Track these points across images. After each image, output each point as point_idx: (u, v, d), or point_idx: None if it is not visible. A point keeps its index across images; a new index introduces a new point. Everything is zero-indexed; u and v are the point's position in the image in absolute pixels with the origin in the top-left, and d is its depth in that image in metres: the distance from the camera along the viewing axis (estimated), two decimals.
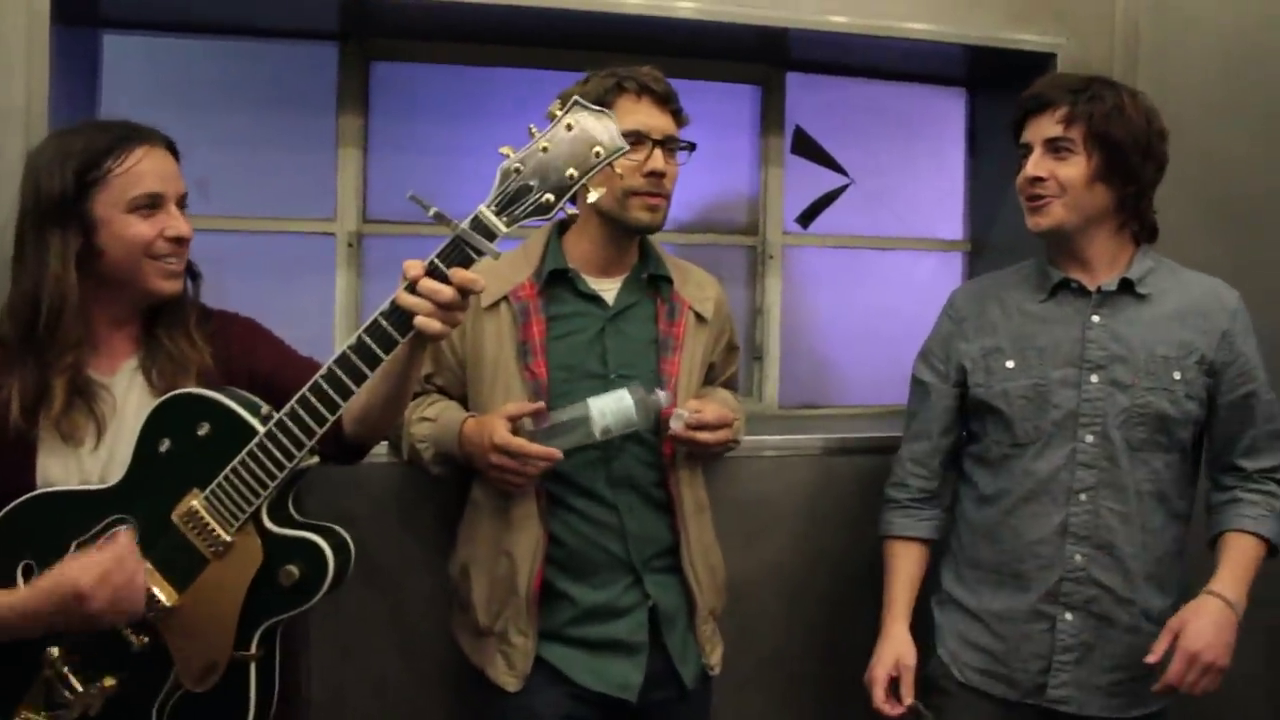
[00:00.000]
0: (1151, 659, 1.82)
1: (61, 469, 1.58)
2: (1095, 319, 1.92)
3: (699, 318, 2.02)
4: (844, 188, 2.94)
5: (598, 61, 1.95)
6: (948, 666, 2.01)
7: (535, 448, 1.80)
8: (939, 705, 1.98)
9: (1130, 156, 1.87)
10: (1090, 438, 1.89)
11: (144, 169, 1.58)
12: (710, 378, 2.12)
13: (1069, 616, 1.90)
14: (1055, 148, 1.88)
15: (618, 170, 1.49)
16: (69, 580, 1.45)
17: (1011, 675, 1.94)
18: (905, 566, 2.06)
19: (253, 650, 1.54)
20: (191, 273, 1.70)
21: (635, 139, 1.83)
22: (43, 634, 1.51)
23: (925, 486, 2.07)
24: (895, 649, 1.99)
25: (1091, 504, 1.89)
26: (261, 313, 1.82)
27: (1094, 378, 1.90)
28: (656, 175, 1.88)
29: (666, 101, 1.92)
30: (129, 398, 1.63)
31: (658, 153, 1.88)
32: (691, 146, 1.96)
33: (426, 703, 2.23)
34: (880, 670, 1.97)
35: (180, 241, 1.62)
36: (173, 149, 1.66)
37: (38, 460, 1.57)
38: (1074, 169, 1.87)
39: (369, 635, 2.20)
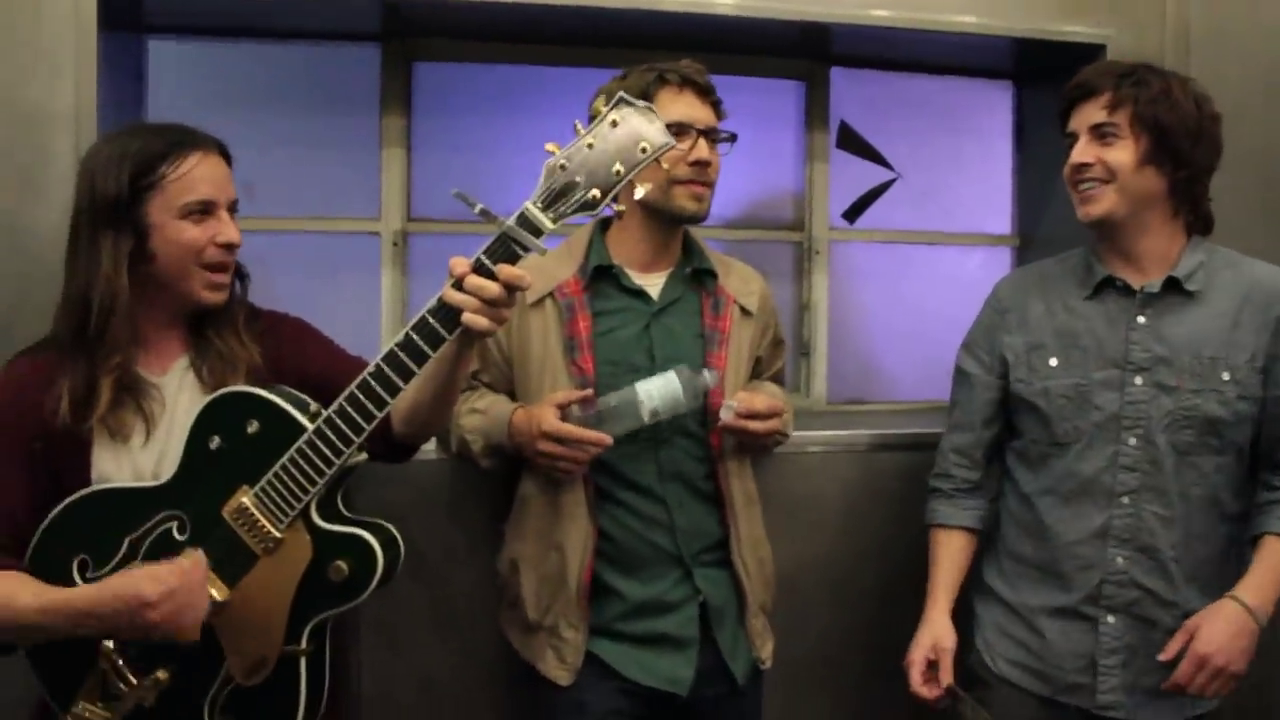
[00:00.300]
0: (1164, 657, 1.81)
1: (114, 466, 1.59)
2: (1140, 320, 1.87)
3: (744, 311, 2.01)
4: (890, 183, 2.92)
5: (639, 59, 1.95)
6: (983, 656, 2.00)
7: (585, 432, 1.80)
8: (980, 697, 1.95)
9: (1179, 140, 1.82)
10: (1133, 440, 1.85)
11: (198, 175, 1.59)
12: (757, 373, 2.10)
13: (1110, 619, 1.87)
14: (1102, 134, 1.84)
15: (663, 163, 1.49)
16: (134, 587, 1.46)
17: (1045, 670, 1.92)
18: (949, 554, 2.04)
19: (303, 645, 1.55)
20: (240, 274, 1.71)
21: (679, 129, 1.85)
22: (98, 634, 1.52)
23: (968, 477, 2.05)
24: (934, 633, 1.97)
25: (1134, 507, 1.85)
26: (308, 312, 1.83)
27: (1138, 380, 1.85)
28: (702, 164, 1.89)
29: (708, 93, 1.93)
30: (180, 396, 1.65)
31: (702, 142, 1.89)
32: (733, 137, 1.96)
33: (474, 697, 2.23)
34: (918, 653, 1.96)
35: (230, 248, 1.63)
36: (226, 154, 1.67)
37: (92, 457, 1.59)
38: (1122, 153, 1.82)
39: (417, 630, 2.20)
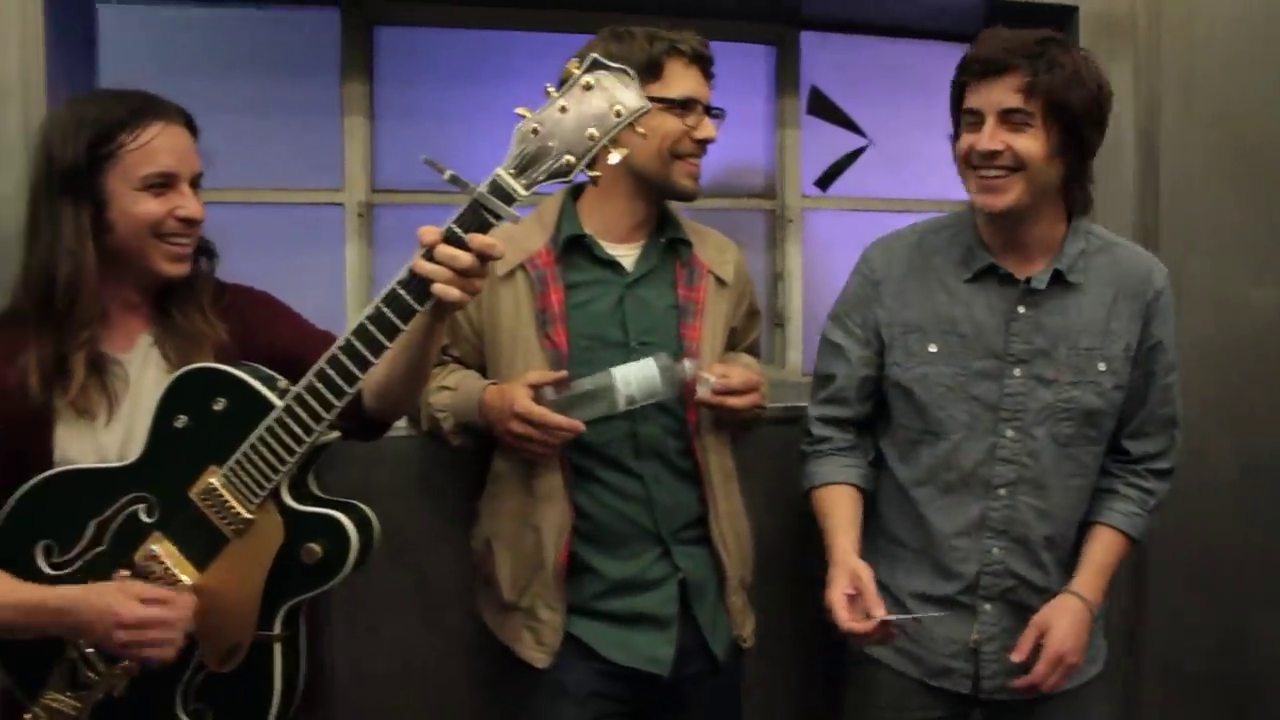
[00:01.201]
0: (1018, 657, 1.78)
1: (78, 448, 1.55)
2: (1021, 310, 1.82)
3: (719, 281, 1.98)
4: (863, 149, 2.89)
5: (608, 22, 1.90)
6: None
7: (557, 418, 1.76)
8: (867, 675, 1.93)
9: (1085, 128, 1.74)
10: (1010, 433, 1.82)
11: (157, 145, 1.53)
12: (732, 344, 2.07)
13: (988, 607, 1.86)
14: (1013, 120, 1.71)
15: (639, 130, 1.45)
16: (110, 601, 1.44)
17: (917, 653, 1.89)
18: (838, 504, 1.89)
19: (276, 631, 1.51)
20: (208, 251, 1.67)
21: (686, 104, 1.84)
22: (67, 636, 1.50)
23: (845, 438, 1.95)
24: (848, 566, 1.79)
25: (1010, 499, 1.83)
26: (269, 287, 1.78)
27: (1016, 371, 1.82)
28: (707, 142, 1.87)
29: (711, 67, 1.91)
30: (145, 374, 1.60)
31: (707, 120, 1.87)
32: (722, 114, 1.93)
33: (450, 678, 2.21)
34: (837, 591, 1.77)
35: (190, 223, 1.57)
36: (191, 125, 1.61)
37: (55, 439, 1.54)
38: (1034, 143, 1.71)
39: (391, 610, 2.17)
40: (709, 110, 1.89)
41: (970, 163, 1.77)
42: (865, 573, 1.78)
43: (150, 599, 1.45)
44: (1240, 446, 2.59)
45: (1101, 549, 1.87)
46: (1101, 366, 1.82)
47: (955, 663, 1.87)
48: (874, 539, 1.95)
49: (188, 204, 1.56)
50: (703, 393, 1.85)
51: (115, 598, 1.45)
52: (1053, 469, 1.83)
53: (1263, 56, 2.59)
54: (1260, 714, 2.65)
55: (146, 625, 1.44)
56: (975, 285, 1.85)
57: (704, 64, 1.89)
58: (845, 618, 1.74)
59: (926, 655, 1.88)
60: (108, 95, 1.60)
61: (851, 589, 1.77)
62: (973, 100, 1.76)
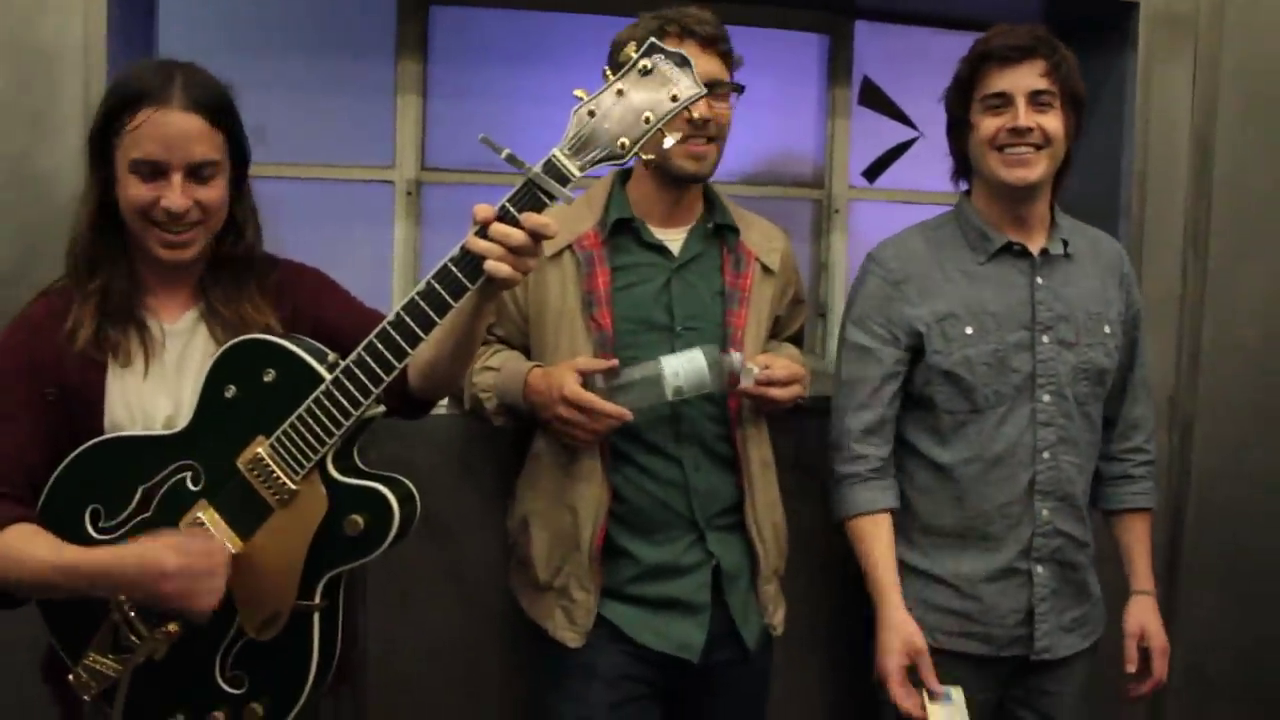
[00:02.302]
0: (1132, 668, 2.01)
1: (127, 416, 1.56)
2: (1039, 280, 1.94)
3: (765, 269, 1.98)
4: (912, 141, 2.87)
5: (660, 5, 1.89)
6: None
7: (607, 405, 1.77)
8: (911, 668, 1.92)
9: (1082, 115, 1.93)
10: (1047, 398, 1.92)
11: (144, 133, 1.48)
12: (775, 332, 2.07)
13: (1040, 569, 1.94)
14: (1040, 101, 1.87)
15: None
16: (155, 554, 1.44)
17: (989, 632, 1.95)
18: (883, 542, 1.95)
19: (316, 600, 1.52)
20: (238, 232, 1.62)
21: None
22: (111, 595, 1.51)
23: (880, 455, 1.97)
24: (903, 634, 1.89)
25: (1054, 460, 1.93)
26: (318, 262, 1.79)
27: (1045, 338, 1.92)
28: (700, 122, 1.82)
29: (713, 43, 1.86)
30: (193, 344, 1.61)
31: (703, 101, 1.83)
32: (740, 89, 1.90)
33: (482, 656, 2.22)
34: (894, 661, 1.88)
35: (172, 215, 1.50)
36: (204, 107, 1.51)
37: (105, 407, 1.55)
38: (1057, 122, 1.88)
39: (425, 588, 2.19)
40: (715, 87, 1.80)
41: (995, 143, 1.89)
42: (920, 639, 1.89)
43: (188, 548, 1.46)
44: (1279, 454, 2.55)
45: (1138, 537, 2.07)
46: (1107, 329, 1.97)
47: (1021, 630, 1.95)
48: (907, 534, 1.99)
49: (170, 196, 1.49)
50: (746, 383, 1.85)
51: (154, 549, 1.45)
52: (1079, 425, 1.95)
53: None
54: None
55: (190, 572, 1.44)
56: (992, 265, 1.96)
57: (699, 39, 1.83)
58: (901, 694, 1.87)
59: (996, 631, 1.95)
60: (141, 68, 1.56)
61: (907, 659, 1.88)
62: (999, 84, 1.88)
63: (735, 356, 1.83)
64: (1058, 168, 1.92)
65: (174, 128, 1.49)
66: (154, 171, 1.50)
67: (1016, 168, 1.88)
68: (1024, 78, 1.86)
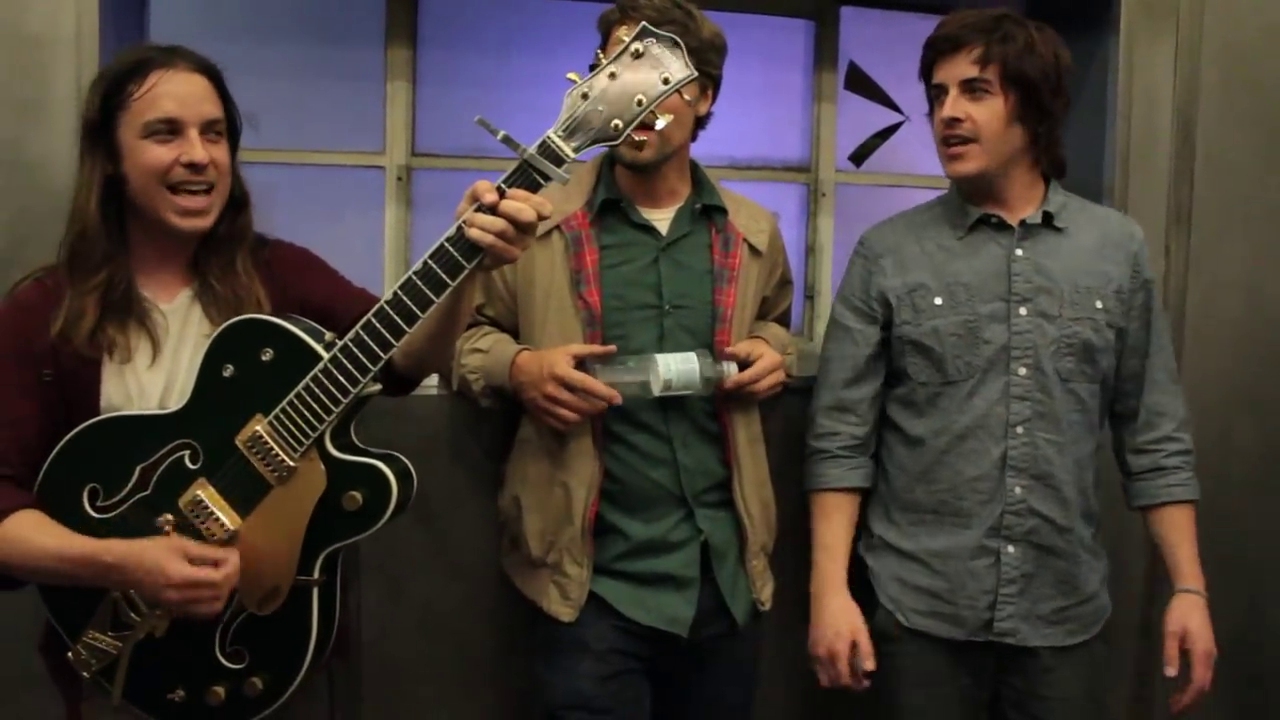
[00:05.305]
0: (1172, 672, 1.91)
1: (123, 396, 1.57)
2: (1019, 252, 1.91)
3: (753, 250, 2.00)
4: (898, 125, 2.89)
5: None
6: (892, 614, 1.96)
7: (599, 385, 1.79)
8: (891, 653, 1.95)
9: (1043, 94, 1.86)
10: (1023, 370, 1.89)
11: (160, 91, 1.52)
12: (762, 313, 2.10)
13: (1011, 549, 1.90)
14: (971, 89, 1.85)
15: (687, 97, 1.48)
16: (162, 562, 1.46)
17: (958, 613, 1.92)
18: (841, 521, 1.98)
19: (315, 575, 1.55)
20: (235, 204, 1.64)
21: None
22: (115, 588, 1.53)
23: (856, 433, 1.99)
24: (847, 618, 1.92)
25: (1029, 436, 1.89)
26: (309, 246, 1.80)
27: (1022, 310, 1.89)
28: None
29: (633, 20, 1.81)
30: (188, 325, 1.62)
31: None
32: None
33: (473, 634, 2.24)
34: (841, 644, 1.91)
35: (195, 168, 1.54)
36: (208, 70, 1.58)
37: (101, 387, 1.56)
38: (991, 110, 1.84)
39: (416, 567, 2.20)
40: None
41: (940, 135, 1.90)
42: (860, 619, 1.93)
43: (199, 558, 1.47)
44: (1264, 433, 2.58)
45: (1179, 531, 1.98)
46: (1098, 304, 1.91)
47: (989, 614, 1.91)
48: (885, 511, 2.00)
49: (193, 150, 1.53)
50: (727, 383, 1.89)
51: (165, 556, 1.46)
52: (1061, 402, 1.90)
53: None
54: (1275, 701, 2.65)
55: (195, 587, 1.46)
56: (971, 238, 1.94)
57: (636, 23, 1.78)
58: (846, 673, 1.91)
59: (965, 612, 1.92)
60: (131, 49, 1.60)
61: (850, 640, 1.90)
62: (937, 75, 1.89)
63: (726, 367, 1.88)
64: (1022, 147, 1.88)
65: (190, 85, 1.55)
66: (171, 130, 1.53)
67: (950, 161, 1.89)
68: (956, 67, 1.85)
